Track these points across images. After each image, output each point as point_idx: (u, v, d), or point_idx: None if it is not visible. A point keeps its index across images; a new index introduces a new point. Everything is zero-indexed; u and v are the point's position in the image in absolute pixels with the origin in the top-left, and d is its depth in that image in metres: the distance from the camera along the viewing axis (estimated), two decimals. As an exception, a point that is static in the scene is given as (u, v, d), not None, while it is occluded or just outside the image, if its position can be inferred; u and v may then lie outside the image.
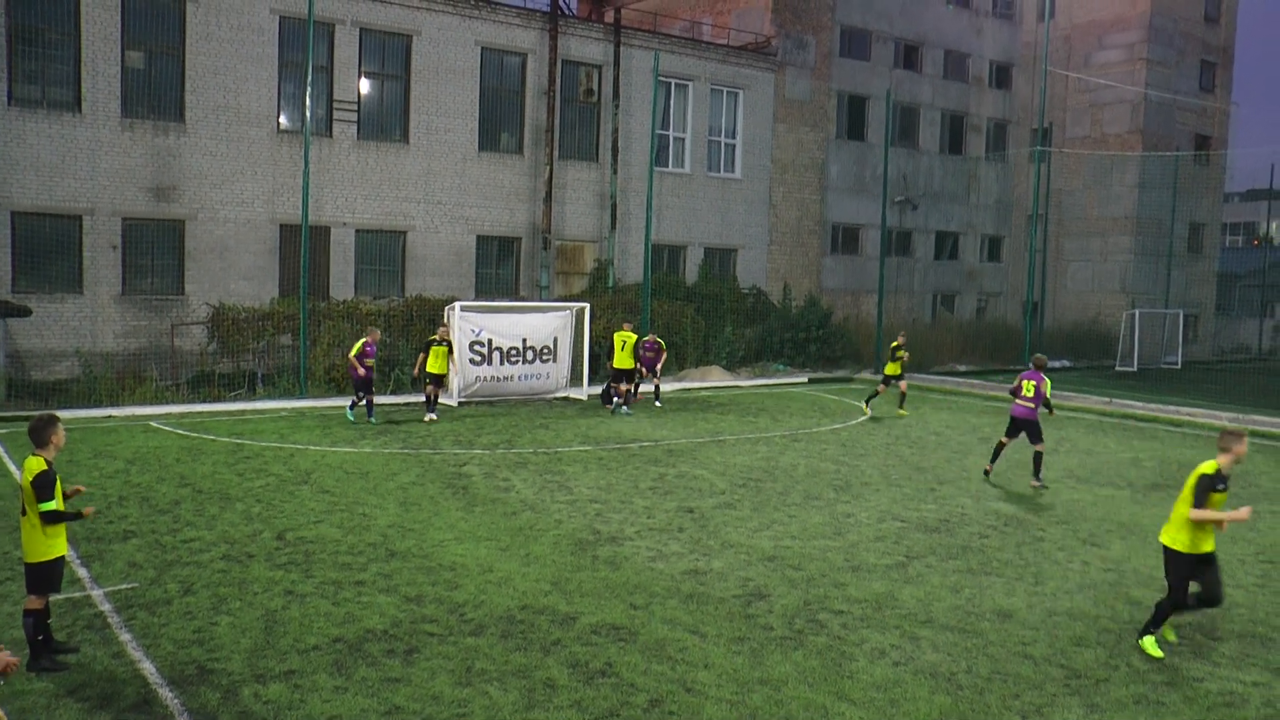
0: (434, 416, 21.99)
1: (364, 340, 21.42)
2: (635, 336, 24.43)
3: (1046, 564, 12.32)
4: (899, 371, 25.21)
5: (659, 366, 25.46)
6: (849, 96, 42.19)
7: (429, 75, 30.31)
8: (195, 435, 19.30)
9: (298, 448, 18.24)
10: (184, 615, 9.59)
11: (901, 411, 25.00)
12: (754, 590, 10.76)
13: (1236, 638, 10.07)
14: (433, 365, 22.27)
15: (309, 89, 25.46)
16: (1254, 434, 24.51)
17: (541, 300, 31.09)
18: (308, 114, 25.57)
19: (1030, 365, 17.75)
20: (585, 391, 26.08)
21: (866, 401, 25.73)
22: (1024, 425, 17.02)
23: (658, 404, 25.27)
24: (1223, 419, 26.20)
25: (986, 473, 17.55)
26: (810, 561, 11.90)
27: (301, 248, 25.40)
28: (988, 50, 47.87)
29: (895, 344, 25.25)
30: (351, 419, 21.21)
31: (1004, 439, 17.36)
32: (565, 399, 25.87)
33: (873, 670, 8.69)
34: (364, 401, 21.28)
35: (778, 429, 22.25)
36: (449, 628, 9.40)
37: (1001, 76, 49.01)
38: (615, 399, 23.86)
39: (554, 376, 25.91)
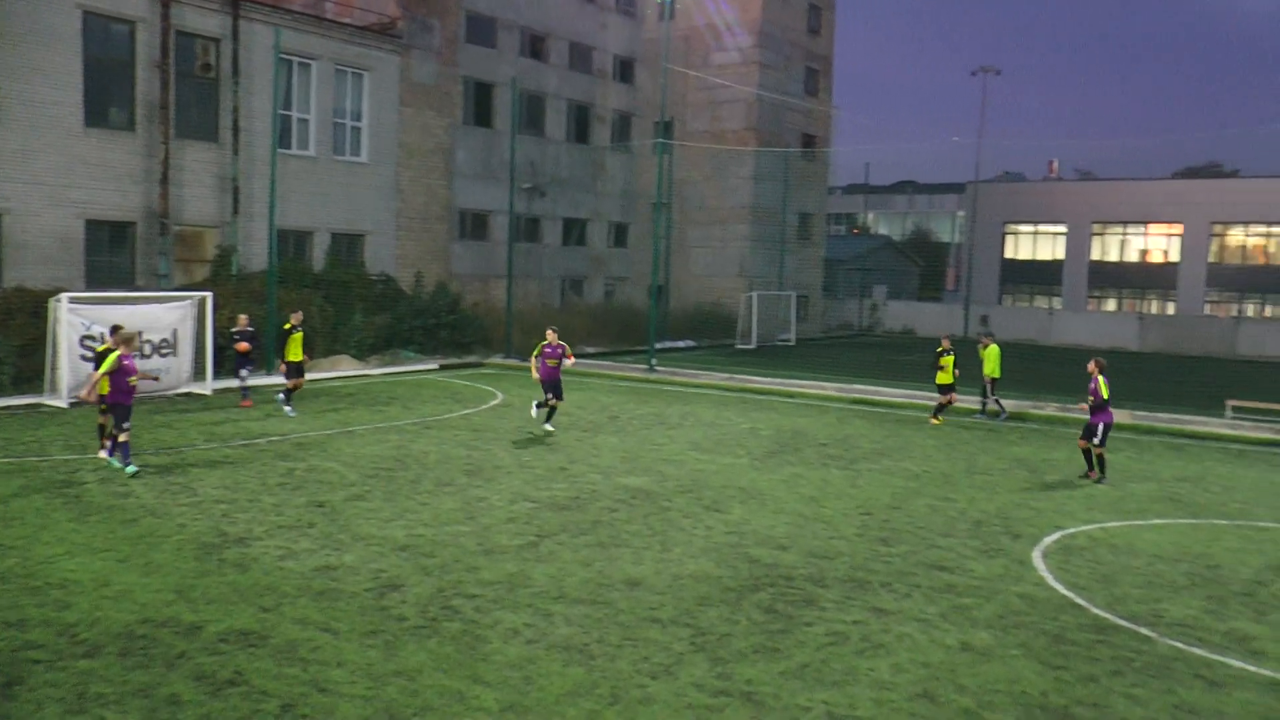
0: (290, 410, 21.54)
1: None
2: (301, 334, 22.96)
3: (673, 531, 13.03)
4: (951, 380, 24.45)
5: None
6: (475, 83, 42.37)
7: (21, 39, 27.52)
8: None
9: None
10: None
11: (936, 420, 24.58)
12: (387, 582, 10.68)
13: (840, 583, 11.15)
14: (292, 354, 21.53)
15: None
16: (856, 401, 27.00)
17: (160, 290, 29.13)
18: None
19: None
20: (210, 386, 24.78)
21: (934, 414, 24.74)
22: None
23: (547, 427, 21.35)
24: (829, 389, 28.65)
25: None
26: (443, 548, 11.95)
27: None
28: (612, 45, 49.52)
29: (941, 349, 24.63)
30: None
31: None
32: (188, 395, 24.45)
33: (507, 650, 8.88)
34: None
35: (409, 417, 22.10)
36: (58, 652, 8.67)
37: (625, 71, 50.84)
38: (284, 400, 22.46)
39: (175, 371, 24.40)
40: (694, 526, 13.39)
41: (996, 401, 25.29)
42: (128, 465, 15.54)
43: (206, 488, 14.81)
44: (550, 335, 20.96)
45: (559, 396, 20.75)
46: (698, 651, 9.00)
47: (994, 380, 25.16)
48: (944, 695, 8.29)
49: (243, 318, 23.56)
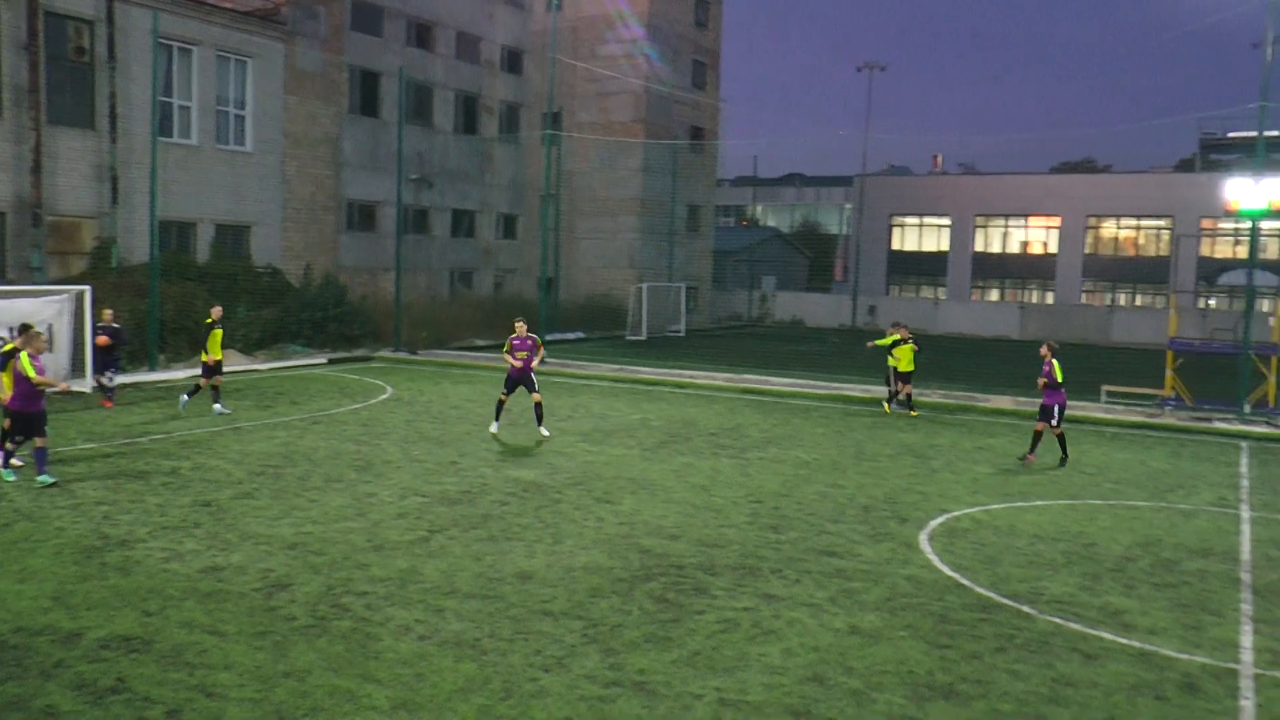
0: (221, 408, 20.95)
1: None
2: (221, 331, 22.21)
3: (564, 524, 13.06)
4: (911, 369, 24.54)
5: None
6: (362, 71, 41.72)
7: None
8: None
9: None
10: None
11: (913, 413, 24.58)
12: (275, 581, 10.50)
13: (730, 571, 11.30)
14: (217, 350, 20.98)
15: None
16: (745, 390, 27.32)
17: (34, 284, 28.07)
18: None
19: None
20: (89, 384, 23.97)
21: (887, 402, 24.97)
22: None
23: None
24: (719, 379, 28.94)
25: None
26: (333, 545, 11.80)
27: None
28: (500, 35, 49.18)
29: (897, 338, 24.59)
30: None
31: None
32: (66, 393, 23.62)
33: (398, 648, 8.81)
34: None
35: (297, 413, 21.72)
36: (-75, 658, 8.37)
37: (513, 61, 50.54)
38: (187, 396, 21.58)
39: (52, 369, 23.54)
40: (585, 518, 13.44)
41: (908, 396, 25.34)
42: (42, 475, 14.44)
43: (86, 489, 14.36)
44: (519, 327, 20.11)
45: (533, 389, 19.67)
46: (590, 643, 9.05)
47: (908, 373, 24.98)
48: (833, 678, 8.47)
49: (108, 312, 22.45)
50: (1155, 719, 8.02)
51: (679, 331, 49.63)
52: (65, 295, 24.12)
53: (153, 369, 27.21)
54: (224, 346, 22.18)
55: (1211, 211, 53.66)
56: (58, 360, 23.60)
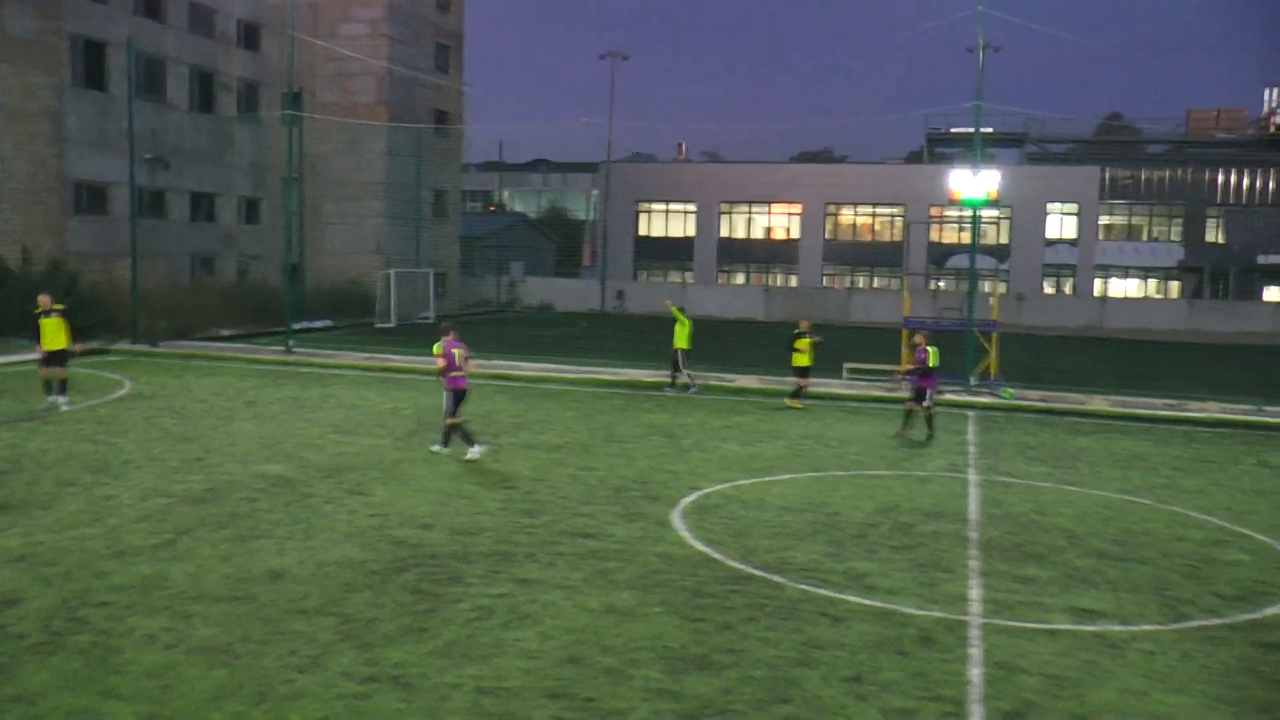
0: (57, 400, 19.61)
1: None
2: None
3: (315, 518, 12.81)
4: (809, 364, 24.10)
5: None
6: (85, 41, 39.08)
7: None
8: None
9: None
10: None
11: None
12: (3, 597, 9.85)
13: (485, 558, 11.40)
14: (49, 341, 19.20)
15: None
16: (495, 376, 27.33)
17: None
18: None
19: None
20: None
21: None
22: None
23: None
24: (469, 366, 28.75)
25: None
26: (67, 555, 11.14)
27: None
28: (235, 8, 47.12)
29: (799, 331, 24.34)
30: None
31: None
32: None
33: (143, 659, 8.45)
34: None
35: (22, 411, 20.30)
36: None
37: (251, 37, 48.56)
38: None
39: None
40: (336, 512, 13.22)
41: (688, 375, 25.78)
42: None
43: None
44: (450, 333, 17.31)
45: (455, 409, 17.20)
46: (345, 639, 8.96)
47: (684, 352, 25.53)
48: (590, 658, 8.71)
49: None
50: (897, 672, 8.66)
51: (428, 318, 49.02)
52: None
53: None
54: None
55: (939, 200, 57.19)
56: None
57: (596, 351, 34.37)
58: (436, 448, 17.30)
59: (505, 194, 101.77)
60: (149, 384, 24.35)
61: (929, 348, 20.41)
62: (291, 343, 32.59)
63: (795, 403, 23.97)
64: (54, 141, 37.56)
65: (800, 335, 24.34)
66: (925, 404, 20.31)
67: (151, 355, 30.70)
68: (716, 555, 11.83)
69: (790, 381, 24.83)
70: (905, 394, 21.58)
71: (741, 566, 11.43)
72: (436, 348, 17.17)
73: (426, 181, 52.36)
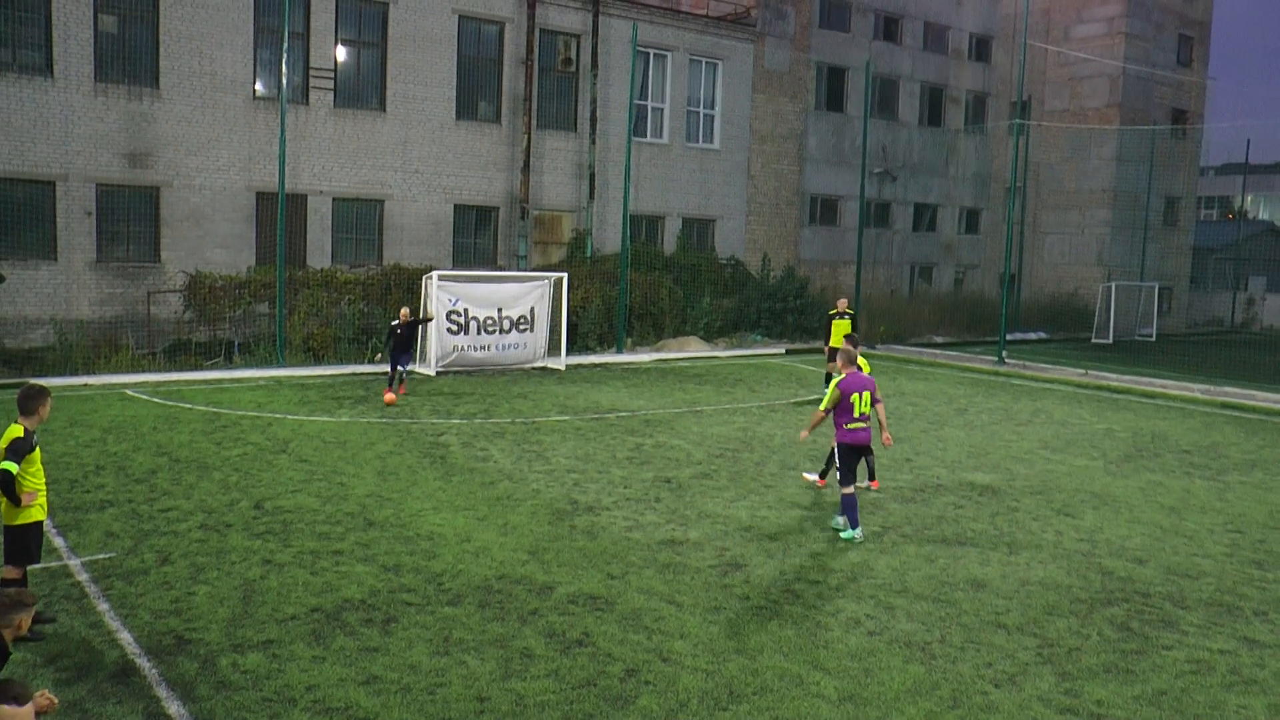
0: None
1: None
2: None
3: (1020, 534, 12.44)
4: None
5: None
6: (828, 68, 42.09)
7: (405, 43, 30.01)
8: (172, 404, 19.21)
9: (275, 416, 18.19)
10: (161, 585, 9.58)
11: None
12: (730, 561, 10.82)
13: (1204, 606, 10.19)
14: (835, 340, 22.61)
15: (285, 56, 25.23)
16: (1225, 405, 24.77)
17: (519, 270, 30.99)
18: (284, 81, 25.36)
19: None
20: (564, 361, 26.08)
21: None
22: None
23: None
24: (1194, 390, 26.45)
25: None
26: (787, 533, 11.97)
27: (278, 215, 25.24)
28: (967, 23, 47.82)
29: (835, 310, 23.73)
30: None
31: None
32: (543, 369, 25.85)
33: (848, 640, 8.78)
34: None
35: (755, 399, 22.31)
36: (426, 597, 9.43)
37: (981, 49, 48.97)
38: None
39: (531, 346, 25.88)
40: (1043, 530, 12.69)
41: None
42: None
43: (559, 457, 15.58)
44: (852, 363, 12.55)
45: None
46: (1044, 663, 8.52)
47: None
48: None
49: (404, 311, 21.43)
50: None
51: (1149, 336, 45.91)
52: (545, 280, 26.42)
53: (619, 351, 29.09)
54: (685, 334, 23.24)
55: None
56: (536, 339, 25.91)
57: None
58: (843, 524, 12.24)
59: (1248, 199, 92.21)
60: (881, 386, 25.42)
61: None
62: (1004, 353, 32.30)
63: None
64: (795, 160, 40.87)
65: None
66: None
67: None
68: None
69: None
70: None
71: None
72: (833, 386, 12.15)
73: (1158, 188, 49.08)
